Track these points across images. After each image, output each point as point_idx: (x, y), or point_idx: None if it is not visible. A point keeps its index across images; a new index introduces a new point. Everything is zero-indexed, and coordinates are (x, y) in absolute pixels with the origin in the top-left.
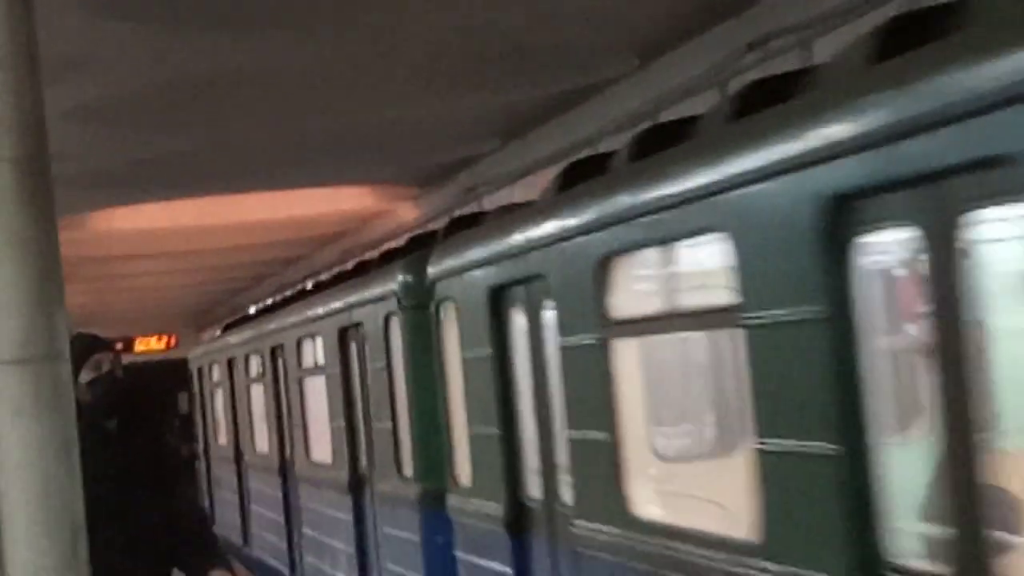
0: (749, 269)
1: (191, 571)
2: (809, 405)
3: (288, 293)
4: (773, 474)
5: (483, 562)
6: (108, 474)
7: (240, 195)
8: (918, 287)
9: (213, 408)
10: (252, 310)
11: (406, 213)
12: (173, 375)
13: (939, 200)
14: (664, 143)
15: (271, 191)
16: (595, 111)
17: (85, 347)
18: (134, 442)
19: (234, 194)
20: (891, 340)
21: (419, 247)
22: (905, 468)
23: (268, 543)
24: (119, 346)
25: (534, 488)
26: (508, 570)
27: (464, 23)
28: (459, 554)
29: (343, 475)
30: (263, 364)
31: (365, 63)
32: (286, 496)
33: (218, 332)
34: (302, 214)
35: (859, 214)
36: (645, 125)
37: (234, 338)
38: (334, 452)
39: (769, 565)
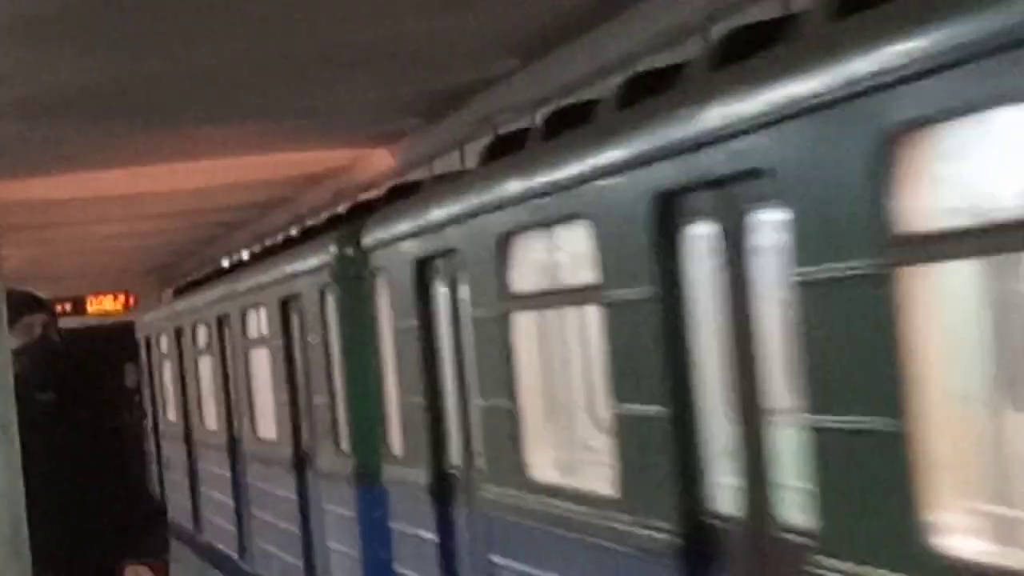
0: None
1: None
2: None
3: (244, 255)
4: (625, 435)
5: (412, 530)
6: (42, 455)
7: (211, 129)
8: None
9: (162, 381)
10: (225, 263)
11: (407, 148)
12: (123, 342)
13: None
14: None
15: (245, 122)
16: (635, 24)
17: (14, 307)
18: (74, 419)
19: (205, 127)
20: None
21: (360, 214)
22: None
23: (218, 527)
24: (66, 307)
25: (455, 456)
26: (434, 537)
27: None
28: (392, 524)
29: (287, 452)
30: (210, 335)
31: None
32: (235, 476)
33: (170, 297)
34: (283, 153)
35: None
36: (696, 39)
37: (182, 306)
38: (279, 428)
39: (624, 517)
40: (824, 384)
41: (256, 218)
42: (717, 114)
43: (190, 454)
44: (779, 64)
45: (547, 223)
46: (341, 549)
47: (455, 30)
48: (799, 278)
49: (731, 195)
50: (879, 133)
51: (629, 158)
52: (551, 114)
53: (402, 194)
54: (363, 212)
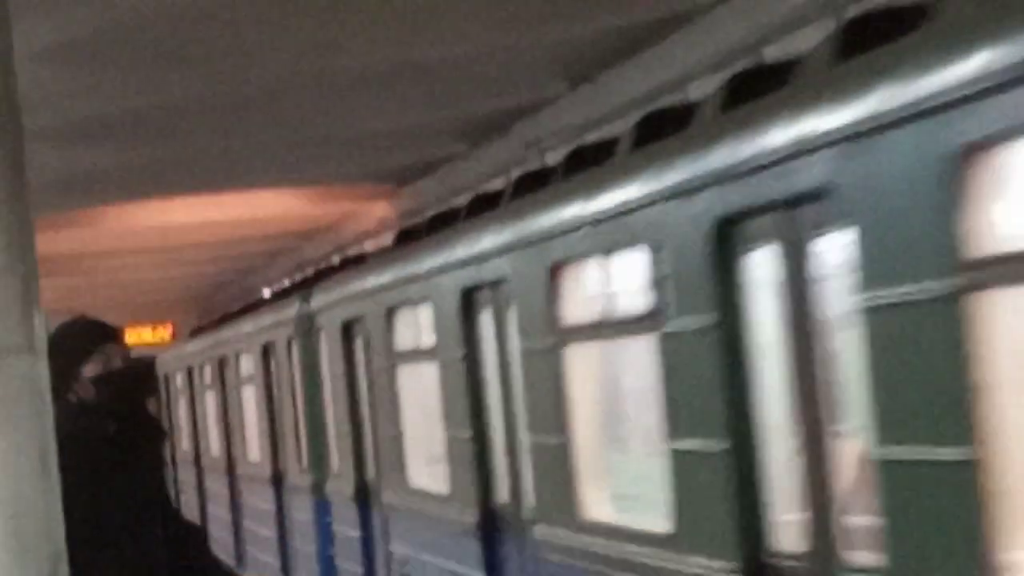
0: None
1: None
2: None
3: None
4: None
5: (342, 529)
6: (110, 486)
7: (249, 156)
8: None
9: (176, 414)
10: (267, 293)
11: (454, 170)
12: (146, 377)
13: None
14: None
15: (285, 149)
16: (684, 46)
17: (88, 334)
18: (135, 449)
19: (244, 154)
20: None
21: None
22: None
23: (218, 538)
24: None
25: (372, 467)
26: (357, 533)
27: None
28: (335, 527)
29: (267, 471)
30: (213, 374)
31: None
32: (232, 493)
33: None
34: (322, 185)
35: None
36: (743, 64)
37: (191, 347)
38: (261, 452)
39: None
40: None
41: (297, 247)
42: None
43: (199, 477)
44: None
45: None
46: (307, 549)
47: (500, 53)
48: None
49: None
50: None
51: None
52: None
53: (352, 263)
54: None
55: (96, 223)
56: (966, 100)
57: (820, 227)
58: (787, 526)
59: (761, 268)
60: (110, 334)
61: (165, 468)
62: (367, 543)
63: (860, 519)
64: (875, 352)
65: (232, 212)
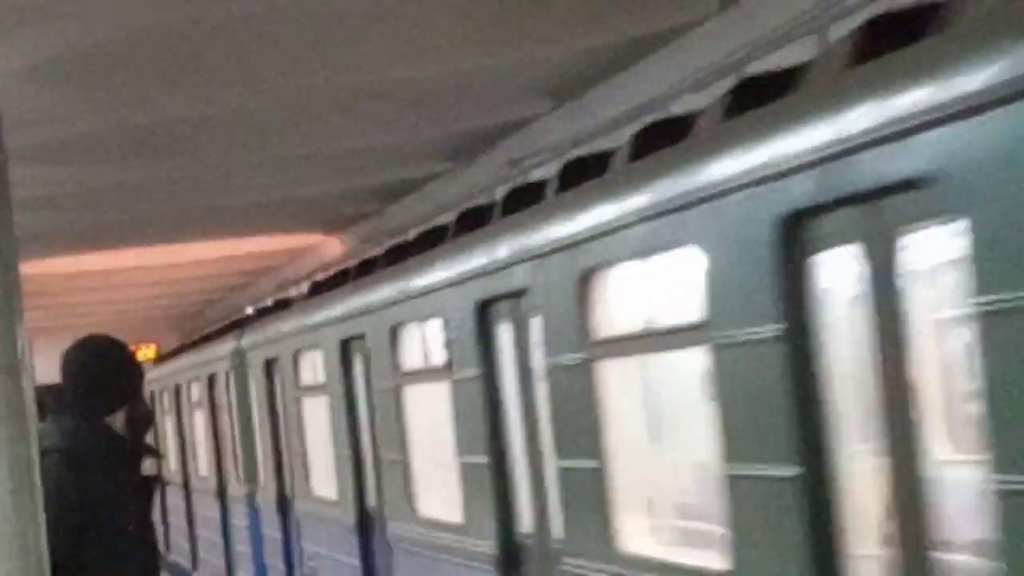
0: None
1: None
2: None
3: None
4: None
5: (266, 530)
6: (122, 502)
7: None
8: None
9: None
10: (249, 310)
11: (439, 188)
12: None
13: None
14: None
15: (263, 170)
16: (668, 65)
17: (137, 375)
18: (153, 485)
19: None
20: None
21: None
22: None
23: (176, 544)
24: None
25: (288, 481)
26: (279, 534)
27: None
28: (264, 531)
29: (213, 484)
30: (171, 399)
31: (379, 6)
32: (187, 506)
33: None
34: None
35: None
36: (730, 80)
37: (154, 374)
38: (209, 468)
39: None
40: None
41: (279, 265)
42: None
43: (162, 491)
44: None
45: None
46: (243, 550)
47: (483, 71)
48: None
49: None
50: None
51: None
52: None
53: (280, 305)
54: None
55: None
56: None
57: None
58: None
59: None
60: (143, 378)
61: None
62: (286, 543)
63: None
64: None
65: (218, 235)
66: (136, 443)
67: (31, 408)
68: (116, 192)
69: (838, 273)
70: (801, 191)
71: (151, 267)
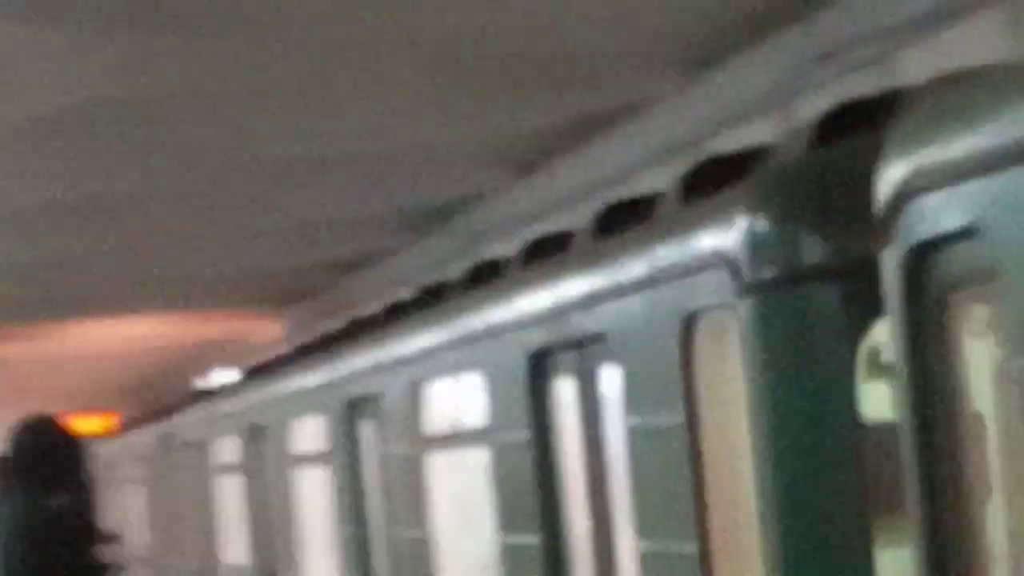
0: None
1: None
2: None
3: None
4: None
5: None
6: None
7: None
8: None
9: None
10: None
11: (396, 264)
12: None
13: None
14: None
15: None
16: (630, 138)
17: (55, 448)
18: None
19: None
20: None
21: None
22: None
23: None
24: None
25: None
26: None
27: (466, 25)
28: None
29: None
30: (122, 471)
31: (335, 76)
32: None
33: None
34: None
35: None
36: (687, 157)
37: (101, 450)
38: (149, 535)
39: None
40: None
41: (238, 337)
42: None
43: None
44: None
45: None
46: None
47: (442, 141)
48: None
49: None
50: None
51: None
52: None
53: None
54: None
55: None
56: None
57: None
58: None
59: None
60: (76, 447)
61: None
62: None
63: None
64: None
65: (168, 308)
66: (85, 524)
67: None
68: (69, 262)
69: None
70: (540, 335)
71: (106, 340)
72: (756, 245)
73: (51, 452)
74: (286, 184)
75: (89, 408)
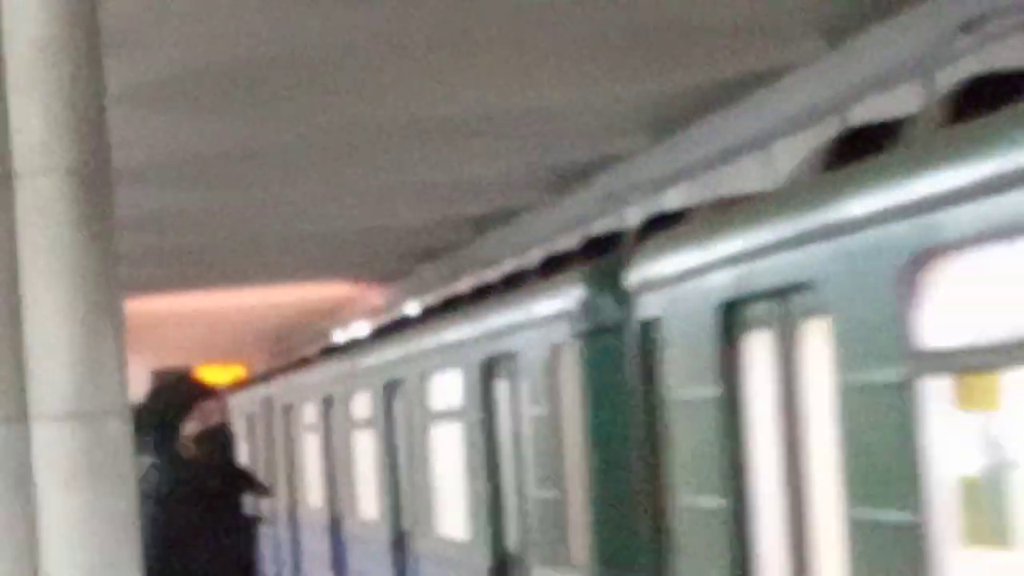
0: None
1: None
2: None
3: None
4: None
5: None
6: (217, 544)
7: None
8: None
9: None
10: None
11: (533, 218)
12: None
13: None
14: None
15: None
16: (765, 105)
17: (188, 391)
18: (237, 505)
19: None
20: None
21: None
22: None
23: None
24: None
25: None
26: None
27: None
28: None
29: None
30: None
31: (473, 39)
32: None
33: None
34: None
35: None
36: (829, 123)
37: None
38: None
39: None
40: None
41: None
42: None
43: None
44: None
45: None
46: None
47: (583, 104)
48: None
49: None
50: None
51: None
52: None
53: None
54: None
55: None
56: None
57: None
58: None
59: None
60: (207, 391)
61: (260, 525)
62: None
63: None
64: None
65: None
66: (230, 475)
67: (131, 453)
68: (214, 217)
69: None
70: None
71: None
72: (582, 309)
73: (152, 402)
74: (424, 144)
75: (223, 360)
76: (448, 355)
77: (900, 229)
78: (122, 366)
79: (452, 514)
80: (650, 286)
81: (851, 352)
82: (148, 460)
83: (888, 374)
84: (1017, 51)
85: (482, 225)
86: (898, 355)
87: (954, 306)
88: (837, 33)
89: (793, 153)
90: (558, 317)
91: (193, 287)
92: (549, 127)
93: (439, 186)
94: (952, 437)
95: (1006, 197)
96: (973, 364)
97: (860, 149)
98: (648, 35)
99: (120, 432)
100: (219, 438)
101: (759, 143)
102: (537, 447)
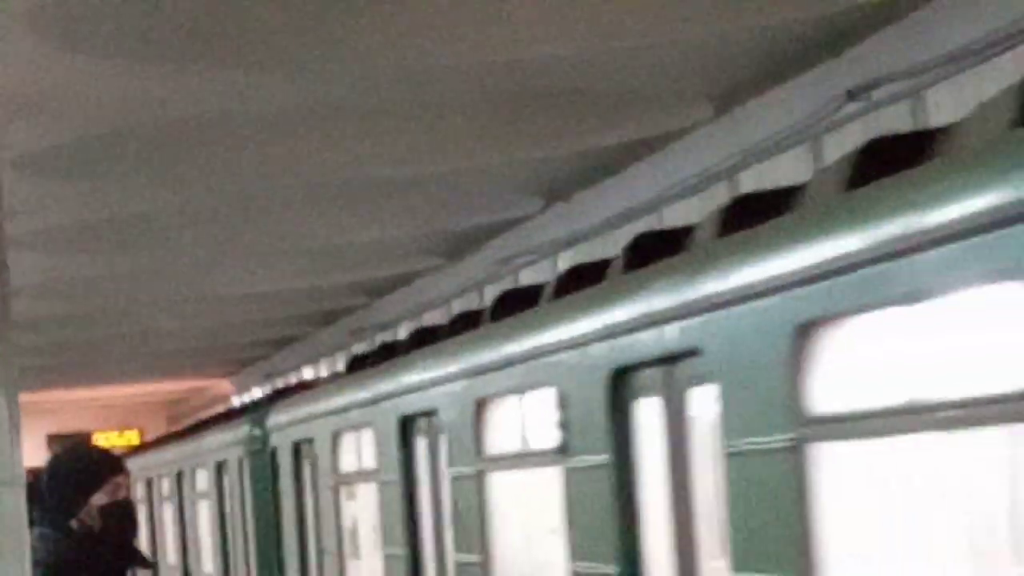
0: None
1: None
2: None
3: None
4: None
5: None
6: None
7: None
8: None
9: None
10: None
11: (429, 285)
12: None
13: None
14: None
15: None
16: (661, 168)
17: (98, 464)
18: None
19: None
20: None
21: None
22: None
23: None
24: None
25: None
26: None
27: (498, 59)
28: None
29: None
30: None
31: (367, 106)
32: None
33: None
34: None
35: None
36: (720, 188)
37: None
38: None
39: None
40: None
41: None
42: None
43: None
44: None
45: None
46: None
47: (476, 170)
48: None
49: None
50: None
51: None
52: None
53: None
54: None
55: None
56: None
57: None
58: None
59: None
60: (119, 466)
61: None
62: None
63: None
64: None
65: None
66: (120, 547)
67: (25, 523)
68: (105, 282)
69: None
70: None
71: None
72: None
73: (61, 471)
74: (315, 209)
75: (119, 426)
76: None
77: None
78: (16, 436)
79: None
80: (277, 428)
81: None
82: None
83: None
84: (903, 117)
85: (378, 290)
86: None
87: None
88: (726, 99)
89: (684, 218)
90: (233, 443)
91: (82, 384)
92: (443, 193)
93: (332, 251)
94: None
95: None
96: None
97: (752, 216)
98: (540, 101)
99: (14, 503)
100: (127, 513)
101: (650, 207)
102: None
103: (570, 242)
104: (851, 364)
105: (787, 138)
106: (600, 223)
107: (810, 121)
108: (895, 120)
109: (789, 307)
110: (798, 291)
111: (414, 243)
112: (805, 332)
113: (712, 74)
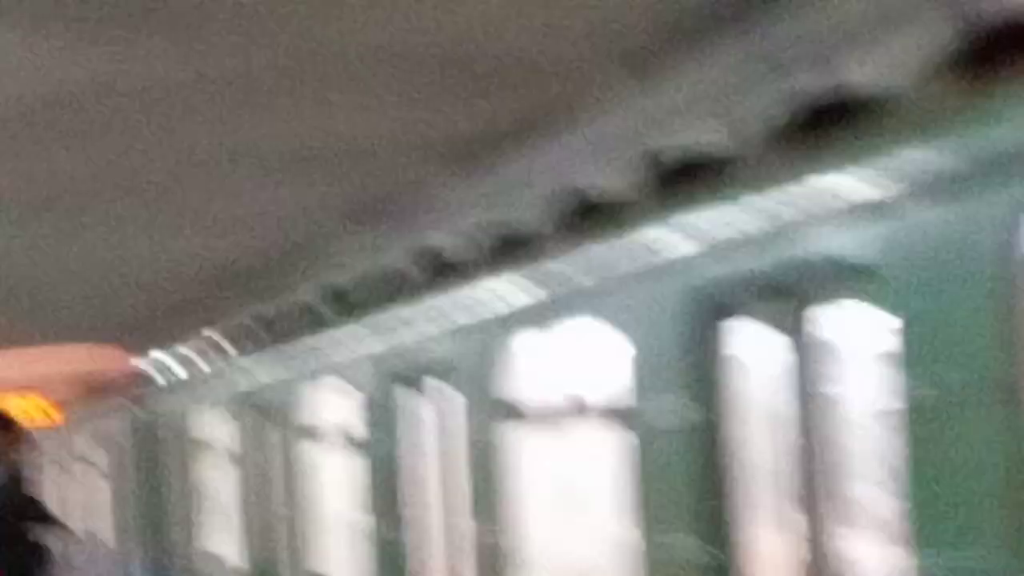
0: None
1: None
2: None
3: None
4: None
5: None
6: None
7: None
8: None
9: None
10: None
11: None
12: None
13: None
14: None
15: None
16: (569, 136)
17: None
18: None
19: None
20: None
21: None
22: None
23: None
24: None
25: None
26: None
27: (410, 27)
28: None
29: None
30: None
31: (277, 76)
32: None
33: None
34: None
35: None
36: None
37: None
38: None
39: None
40: None
41: None
42: None
43: None
44: None
45: None
46: None
47: (379, 136)
48: None
49: None
50: None
51: None
52: None
53: None
54: None
55: None
56: None
57: None
58: None
59: None
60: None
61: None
62: None
63: None
64: None
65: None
66: (16, 502)
67: None
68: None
69: None
70: None
71: None
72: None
73: None
74: (226, 178)
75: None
76: None
77: None
78: None
79: None
80: None
81: None
82: None
83: None
84: (816, 81)
85: (284, 257)
86: None
87: None
88: (638, 65)
89: (594, 183)
90: None
91: None
92: (348, 159)
93: (241, 219)
94: None
95: None
96: None
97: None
98: (449, 70)
99: None
100: (11, 472)
101: (562, 174)
102: None
103: (483, 208)
104: None
105: (701, 105)
106: (512, 189)
107: (724, 87)
108: (809, 86)
109: None
110: None
111: (317, 209)
112: None
113: (621, 41)
